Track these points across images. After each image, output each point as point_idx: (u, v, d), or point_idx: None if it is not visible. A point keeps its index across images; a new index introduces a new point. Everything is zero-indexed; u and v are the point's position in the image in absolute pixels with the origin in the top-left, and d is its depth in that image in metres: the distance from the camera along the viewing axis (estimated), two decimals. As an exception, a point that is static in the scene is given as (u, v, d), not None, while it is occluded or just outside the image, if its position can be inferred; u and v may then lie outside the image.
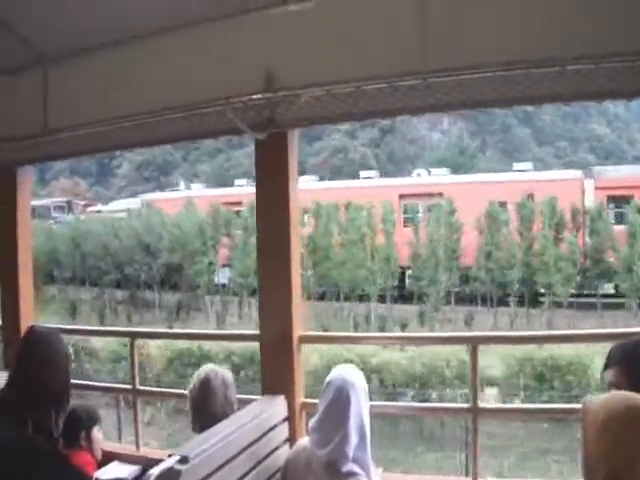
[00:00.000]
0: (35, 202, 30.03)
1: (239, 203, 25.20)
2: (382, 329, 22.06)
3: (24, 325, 3.52)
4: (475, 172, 36.05)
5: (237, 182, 31.76)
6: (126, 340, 4.37)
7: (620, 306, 21.37)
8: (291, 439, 2.80)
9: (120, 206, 34.45)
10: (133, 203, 32.98)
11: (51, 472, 2.00)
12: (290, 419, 2.85)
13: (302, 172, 26.45)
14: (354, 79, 2.56)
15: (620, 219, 22.69)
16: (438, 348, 13.89)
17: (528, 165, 28.68)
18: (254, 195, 3.02)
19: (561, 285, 21.75)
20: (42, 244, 27.45)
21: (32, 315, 3.80)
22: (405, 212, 26.10)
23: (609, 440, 1.34)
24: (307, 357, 13.08)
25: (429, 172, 30.37)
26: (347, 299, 24.49)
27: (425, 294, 23.38)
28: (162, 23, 2.92)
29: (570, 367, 13.95)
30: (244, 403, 2.78)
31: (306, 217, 24.24)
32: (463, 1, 2.47)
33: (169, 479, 1.95)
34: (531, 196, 22.87)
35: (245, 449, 2.40)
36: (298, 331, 2.98)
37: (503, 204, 23.13)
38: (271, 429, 2.65)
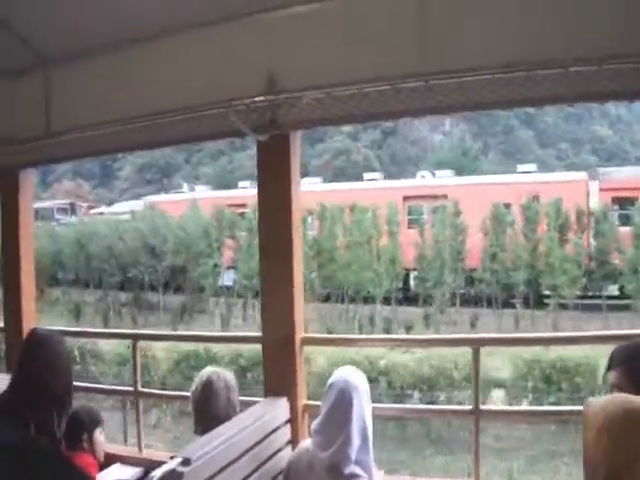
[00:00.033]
0: (38, 204, 30.11)
1: (243, 205, 25.06)
2: (387, 331, 21.92)
3: (26, 327, 3.52)
4: (478, 174, 35.81)
5: (241, 184, 31.69)
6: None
7: (626, 307, 21.22)
8: (293, 441, 2.80)
9: (123, 208, 34.34)
10: (136, 205, 32.89)
11: (54, 473, 2.00)
12: (292, 421, 2.85)
13: (304, 174, 26.35)
14: (356, 81, 2.57)
15: (625, 220, 22.55)
16: (446, 350, 13.79)
17: (532, 167, 28.53)
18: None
19: (566, 287, 21.62)
20: (46, 246, 27.38)
21: (34, 317, 3.81)
22: (410, 214, 25.94)
23: (608, 442, 1.35)
24: (314, 359, 13.07)
25: (433, 174, 30.29)
26: (352, 301, 24.39)
27: (430, 296, 23.24)
28: (164, 25, 2.93)
29: (578, 369, 13.82)
30: (246, 405, 2.78)
31: (311, 219, 24.20)
32: (464, 3, 2.47)
33: (171, 481, 1.95)
34: (536, 198, 22.74)
35: (247, 451, 2.40)
36: (300, 333, 2.98)
37: (508, 206, 23.03)
38: (273, 431, 2.65)
